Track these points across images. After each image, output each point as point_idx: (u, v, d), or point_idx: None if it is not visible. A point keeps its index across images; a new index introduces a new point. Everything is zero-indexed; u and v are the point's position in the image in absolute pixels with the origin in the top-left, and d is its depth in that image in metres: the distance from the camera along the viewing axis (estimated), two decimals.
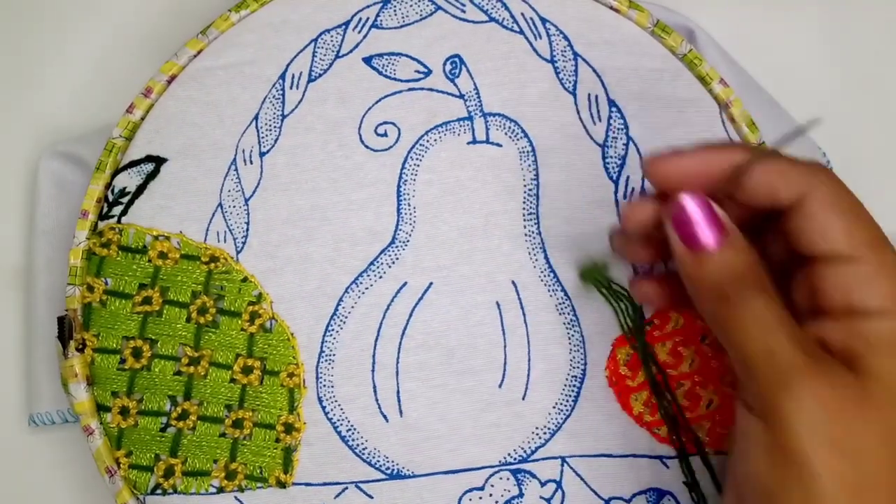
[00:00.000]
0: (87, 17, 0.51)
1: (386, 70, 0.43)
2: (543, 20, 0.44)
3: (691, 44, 0.48)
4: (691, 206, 0.31)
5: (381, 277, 0.42)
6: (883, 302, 0.29)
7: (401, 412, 0.42)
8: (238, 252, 0.42)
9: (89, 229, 0.42)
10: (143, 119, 0.43)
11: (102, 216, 0.42)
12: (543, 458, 0.42)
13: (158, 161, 0.42)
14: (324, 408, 0.42)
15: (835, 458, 0.28)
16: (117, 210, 0.42)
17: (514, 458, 0.42)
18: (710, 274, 0.31)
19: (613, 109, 0.44)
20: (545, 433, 0.42)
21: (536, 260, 0.43)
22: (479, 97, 0.43)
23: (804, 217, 0.31)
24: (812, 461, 0.28)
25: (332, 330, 0.42)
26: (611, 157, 0.43)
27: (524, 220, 0.43)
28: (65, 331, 0.41)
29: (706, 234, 0.31)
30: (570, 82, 0.44)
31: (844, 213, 0.30)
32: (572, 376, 0.43)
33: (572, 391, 0.43)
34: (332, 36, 0.43)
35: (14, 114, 0.50)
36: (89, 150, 0.46)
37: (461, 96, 0.43)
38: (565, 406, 0.42)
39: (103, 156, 0.42)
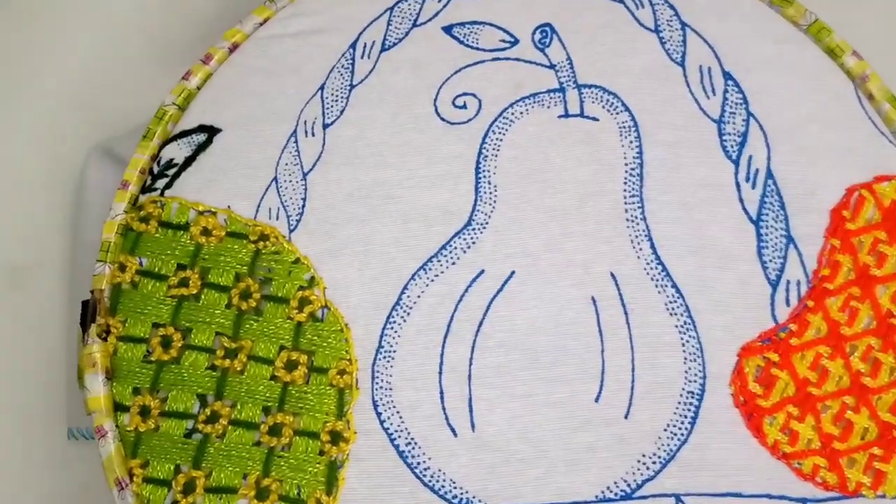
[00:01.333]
0: (88, 18, 0.51)
1: (468, 39, 0.39)
2: None
3: None
4: None
5: (453, 263, 0.36)
6: None
7: (473, 425, 0.34)
8: (291, 231, 0.37)
9: (128, 202, 0.37)
10: (199, 88, 0.39)
11: (145, 189, 0.38)
12: (652, 496, 0.33)
13: (212, 131, 0.38)
14: (379, 415, 0.34)
15: None
16: (161, 183, 0.38)
17: (616, 494, 0.33)
18: None
19: (730, 83, 0.38)
20: (654, 463, 0.33)
21: (641, 249, 0.36)
22: (572, 67, 0.38)
23: None
24: None
25: (394, 322, 0.35)
26: (728, 133, 0.37)
27: (626, 202, 0.36)
28: (87, 313, 0.36)
29: None
30: (677, 53, 0.38)
31: None
32: (688, 392, 0.34)
33: (688, 411, 0.34)
34: (409, 4, 0.40)
35: (13, 113, 0.49)
36: (130, 148, 0.42)
37: (552, 66, 0.38)
38: (679, 429, 0.34)
39: (152, 123, 0.38)
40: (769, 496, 0.33)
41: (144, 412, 0.35)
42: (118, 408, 0.35)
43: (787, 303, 0.35)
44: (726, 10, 0.39)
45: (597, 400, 0.34)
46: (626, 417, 0.34)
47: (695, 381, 0.34)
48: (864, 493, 0.33)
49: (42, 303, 0.46)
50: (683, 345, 0.35)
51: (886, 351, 0.34)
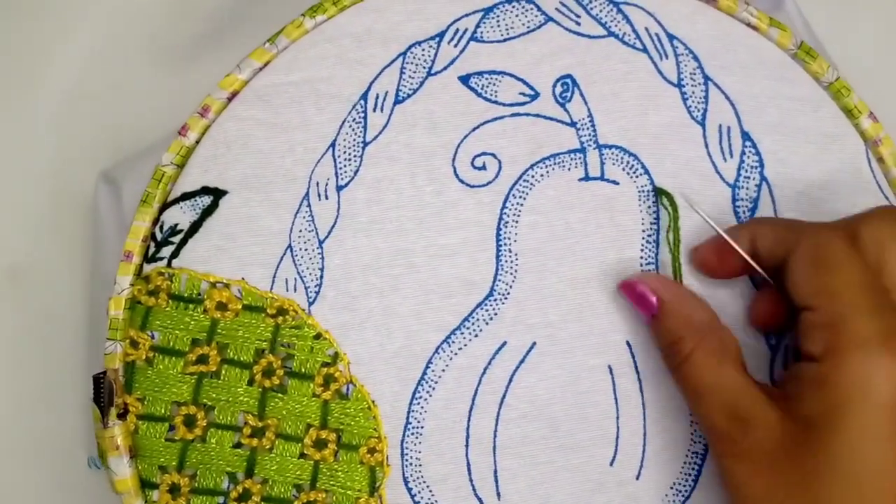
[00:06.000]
0: (88, 17, 0.49)
1: (486, 91, 0.37)
2: (671, 37, 0.38)
3: (777, 11, 0.43)
4: (629, 291, 0.36)
5: (476, 335, 0.36)
6: (814, 349, 0.31)
7: (499, 494, 0.36)
8: (310, 303, 0.36)
9: (133, 274, 0.35)
10: (198, 143, 0.36)
11: (149, 258, 0.36)
12: None
13: (217, 193, 0.36)
14: (410, 490, 0.36)
15: None
16: (167, 251, 0.36)
17: None
18: (656, 334, 0.35)
19: (747, 144, 0.37)
20: None
21: None
22: (593, 126, 0.37)
23: (788, 272, 0.33)
24: None
25: (420, 397, 0.36)
26: (741, 199, 0.37)
27: (642, 270, 0.37)
28: (103, 394, 0.35)
29: (644, 311, 0.36)
30: (699, 111, 0.37)
31: (817, 265, 0.31)
32: (693, 452, 0.37)
33: (692, 469, 0.37)
34: (423, 50, 0.37)
35: (13, 113, 0.48)
36: (129, 179, 0.39)
37: (573, 124, 0.37)
38: (684, 487, 0.37)
39: (150, 186, 0.36)
40: None
41: (174, 490, 0.35)
42: (146, 485, 0.35)
43: (784, 365, 0.37)
44: (751, 64, 0.38)
45: (611, 464, 0.37)
46: (637, 478, 0.37)
47: (699, 443, 0.37)
48: None
49: (44, 303, 0.47)
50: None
51: None
